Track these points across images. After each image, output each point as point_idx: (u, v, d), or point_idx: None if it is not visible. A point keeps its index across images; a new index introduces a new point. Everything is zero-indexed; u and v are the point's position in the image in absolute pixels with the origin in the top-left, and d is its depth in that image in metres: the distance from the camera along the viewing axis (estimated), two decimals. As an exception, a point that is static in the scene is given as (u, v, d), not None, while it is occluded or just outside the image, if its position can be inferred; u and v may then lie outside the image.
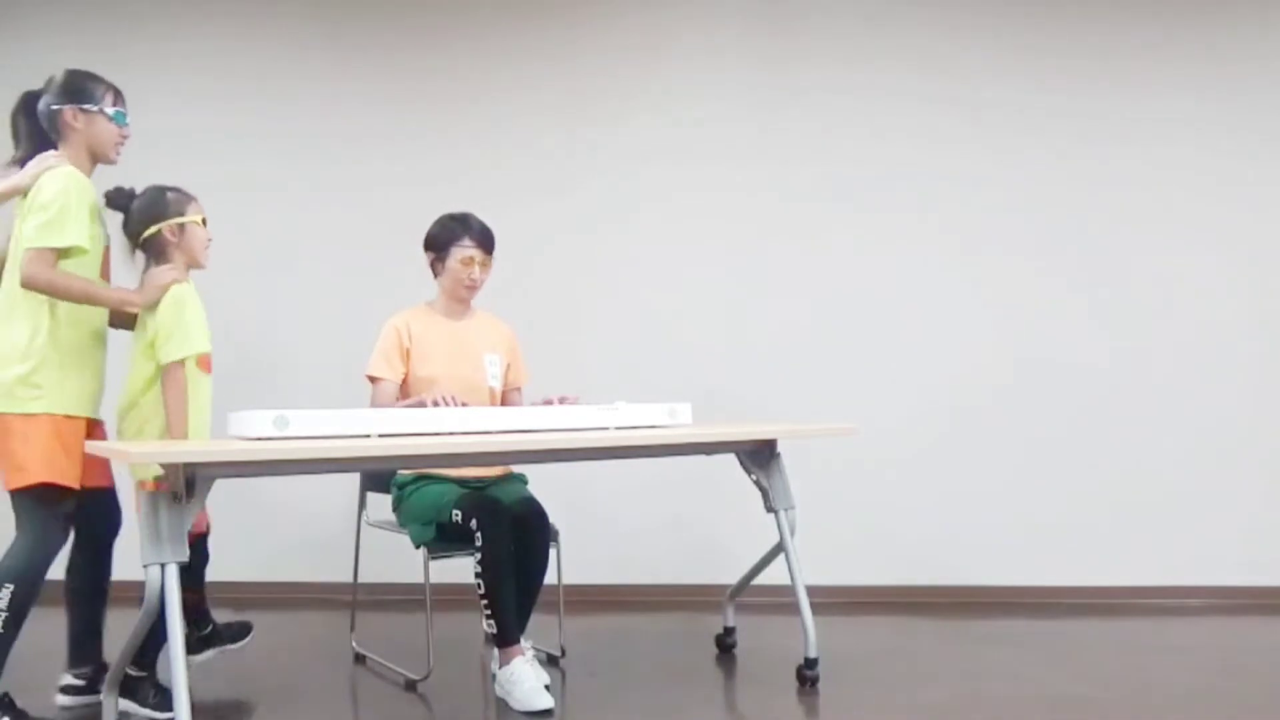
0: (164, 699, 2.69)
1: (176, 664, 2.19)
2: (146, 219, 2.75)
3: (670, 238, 4.42)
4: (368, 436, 2.50)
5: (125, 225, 2.79)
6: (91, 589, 2.84)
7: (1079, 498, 4.29)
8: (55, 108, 2.74)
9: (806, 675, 3.00)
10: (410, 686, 3.05)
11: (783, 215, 4.41)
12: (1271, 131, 4.34)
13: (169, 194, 2.78)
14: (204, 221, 2.81)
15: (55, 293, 2.60)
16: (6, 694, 2.67)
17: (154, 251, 2.76)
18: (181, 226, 2.75)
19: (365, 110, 4.51)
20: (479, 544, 2.87)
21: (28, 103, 2.80)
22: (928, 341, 4.36)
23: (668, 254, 4.42)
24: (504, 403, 3.37)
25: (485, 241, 3.30)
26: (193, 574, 2.77)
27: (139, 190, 2.79)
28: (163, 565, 2.21)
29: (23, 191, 2.66)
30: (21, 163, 2.76)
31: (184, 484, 2.23)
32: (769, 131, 4.42)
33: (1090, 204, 4.36)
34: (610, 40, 4.48)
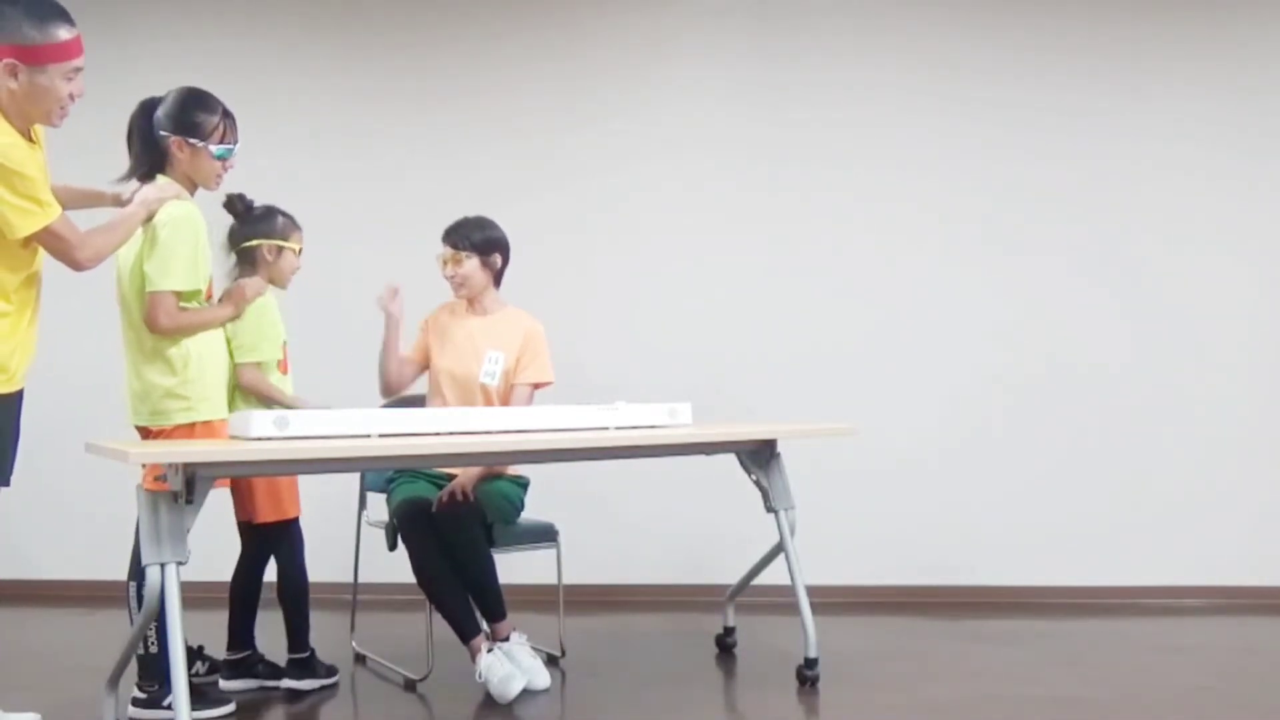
0: (328, 668, 3.05)
1: (176, 664, 2.19)
2: (253, 231, 3.00)
3: (672, 237, 4.42)
4: (368, 436, 2.50)
5: (232, 231, 3.01)
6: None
7: (1079, 498, 4.29)
8: (163, 134, 2.74)
9: (806, 675, 3.00)
10: (410, 686, 3.05)
11: (785, 214, 4.41)
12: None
13: (280, 217, 3.04)
14: (299, 251, 3.04)
15: (179, 334, 2.71)
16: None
17: (247, 261, 3.01)
18: (280, 249, 3.00)
19: (363, 108, 4.51)
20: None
21: (144, 115, 2.79)
22: (929, 342, 4.35)
23: (669, 253, 4.42)
24: (503, 398, 3.33)
25: (450, 237, 3.29)
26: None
27: (257, 204, 3.03)
28: (162, 565, 2.21)
29: (147, 219, 2.67)
30: (140, 177, 2.76)
31: (184, 484, 2.23)
32: (772, 129, 4.42)
33: (1098, 205, 4.35)
34: (609, 38, 4.48)
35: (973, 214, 4.38)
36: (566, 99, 4.47)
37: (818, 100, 4.42)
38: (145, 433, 2.74)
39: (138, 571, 2.65)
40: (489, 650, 2.95)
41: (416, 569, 2.96)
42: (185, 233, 2.65)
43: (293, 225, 3.05)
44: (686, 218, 4.43)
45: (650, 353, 4.36)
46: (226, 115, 2.81)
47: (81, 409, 4.26)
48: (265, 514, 2.92)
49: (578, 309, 4.39)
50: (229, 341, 2.90)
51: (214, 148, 2.76)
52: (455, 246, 3.28)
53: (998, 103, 4.38)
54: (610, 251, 4.44)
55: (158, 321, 2.65)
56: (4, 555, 4.46)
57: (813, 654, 3.00)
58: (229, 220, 3.04)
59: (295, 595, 2.98)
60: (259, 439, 2.38)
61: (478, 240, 3.29)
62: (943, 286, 4.37)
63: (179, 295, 2.67)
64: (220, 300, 2.92)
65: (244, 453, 2.30)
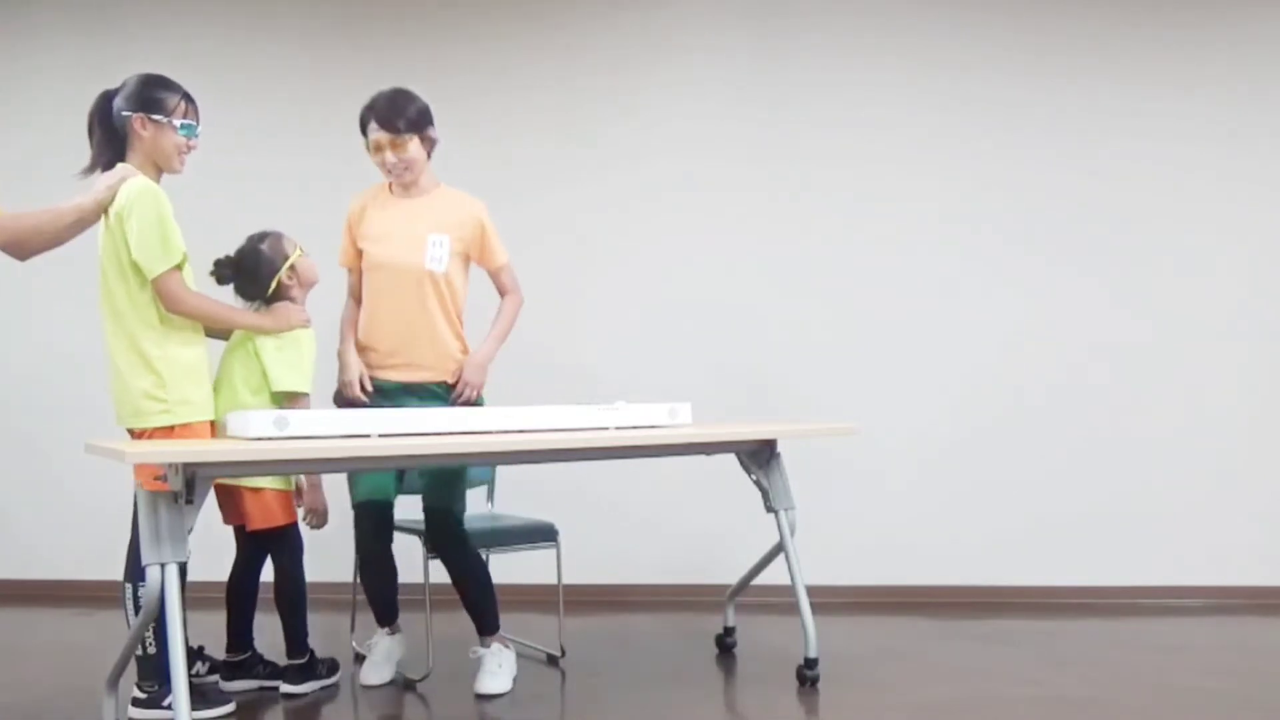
0: (330, 666, 3.08)
1: (176, 664, 2.19)
2: (264, 279, 2.95)
3: (672, 236, 4.42)
4: (367, 436, 2.50)
5: (240, 290, 2.97)
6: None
7: (1079, 498, 4.29)
8: (125, 114, 2.71)
9: (806, 675, 3.00)
10: (410, 686, 3.05)
11: (786, 214, 4.41)
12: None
13: (263, 247, 2.96)
14: (303, 251, 3.00)
15: (198, 315, 2.71)
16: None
17: (280, 299, 2.96)
18: (293, 267, 2.97)
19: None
20: None
21: (104, 105, 2.75)
22: (929, 342, 4.35)
23: (669, 253, 4.42)
24: (496, 285, 3.22)
25: (388, 120, 2.96)
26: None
27: (233, 255, 2.97)
28: (162, 565, 2.21)
29: (105, 208, 2.65)
30: (103, 168, 2.73)
31: (184, 484, 2.23)
32: (772, 129, 4.42)
33: (1100, 204, 4.35)
34: (611, 38, 4.48)
35: (974, 214, 4.37)
36: (566, 99, 4.47)
37: (818, 100, 4.42)
38: (132, 435, 2.73)
39: (134, 572, 2.65)
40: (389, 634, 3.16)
41: (359, 567, 3.11)
42: (149, 210, 2.60)
43: (278, 239, 2.99)
44: (686, 218, 4.43)
45: (650, 353, 4.36)
46: (187, 96, 2.78)
47: (81, 409, 4.26)
48: (255, 521, 2.88)
49: (578, 309, 4.40)
50: (256, 355, 2.87)
51: (178, 122, 2.73)
52: (395, 130, 2.96)
53: (1000, 102, 4.38)
54: (610, 252, 4.44)
55: (173, 305, 2.64)
56: (4, 555, 4.47)
57: (813, 654, 3.00)
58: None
59: (292, 600, 2.97)
60: (259, 439, 2.38)
61: (414, 117, 3.00)
62: (943, 286, 4.37)
63: (179, 271, 2.65)
64: (262, 310, 2.93)
65: (244, 453, 2.30)
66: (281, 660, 3.01)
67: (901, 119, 4.40)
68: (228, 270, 2.95)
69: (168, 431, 2.66)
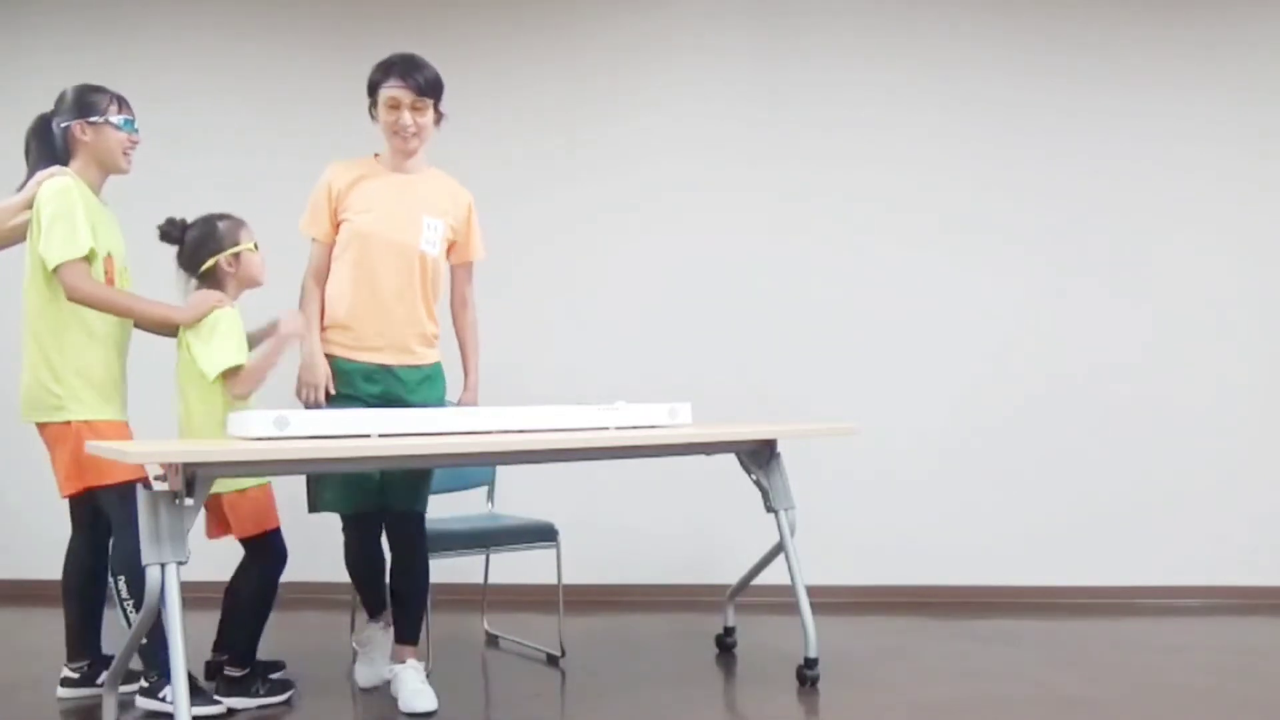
0: (274, 687, 2.86)
1: (177, 665, 2.19)
2: (203, 252, 2.83)
3: (672, 236, 4.42)
4: (368, 436, 2.50)
5: (180, 258, 2.86)
6: (89, 582, 2.91)
7: (1079, 498, 4.29)
8: (64, 125, 2.76)
9: (806, 675, 3.00)
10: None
11: (786, 214, 4.41)
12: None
13: (220, 225, 2.85)
14: (256, 246, 2.88)
15: (99, 305, 2.69)
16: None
17: (212, 282, 2.83)
18: (237, 255, 2.84)
19: (359, 110, 4.50)
20: None
21: (40, 125, 2.82)
22: (931, 342, 4.35)
23: (669, 253, 4.42)
24: (453, 279, 3.13)
25: (413, 80, 2.83)
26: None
27: (189, 221, 2.86)
28: (162, 565, 2.21)
29: (29, 205, 2.70)
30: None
31: (184, 484, 2.23)
32: (772, 129, 4.42)
33: (1100, 206, 4.35)
34: (610, 38, 4.48)
35: (974, 214, 4.37)
36: (567, 100, 4.47)
37: (818, 100, 4.42)
38: (40, 429, 2.73)
39: (121, 565, 2.64)
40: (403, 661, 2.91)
41: (351, 564, 3.02)
42: (61, 205, 2.64)
43: (236, 225, 2.86)
44: (686, 218, 4.43)
45: (650, 353, 4.36)
46: (119, 97, 2.82)
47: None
48: (211, 531, 2.84)
49: (578, 309, 4.40)
50: (193, 361, 2.75)
51: (115, 119, 2.77)
52: (420, 91, 2.84)
53: (999, 102, 4.38)
54: (610, 252, 4.43)
55: (72, 294, 2.63)
56: (4, 555, 4.46)
57: (813, 654, 3.00)
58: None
59: (250, 606, 2.86)
60: (259, 439, 2.38)
61: (434, 81, 2.88)
62: (943, 286, 4.37)
63: (84, 262, 2.64)
64: (181, 303, 2.85)
65: (244, 453, 2.30)
66: (281, 658, 3.00)
67: (901, 119, 4.40)
68: (176, 231, 2.84)
69: (64, 427, 2.67)
